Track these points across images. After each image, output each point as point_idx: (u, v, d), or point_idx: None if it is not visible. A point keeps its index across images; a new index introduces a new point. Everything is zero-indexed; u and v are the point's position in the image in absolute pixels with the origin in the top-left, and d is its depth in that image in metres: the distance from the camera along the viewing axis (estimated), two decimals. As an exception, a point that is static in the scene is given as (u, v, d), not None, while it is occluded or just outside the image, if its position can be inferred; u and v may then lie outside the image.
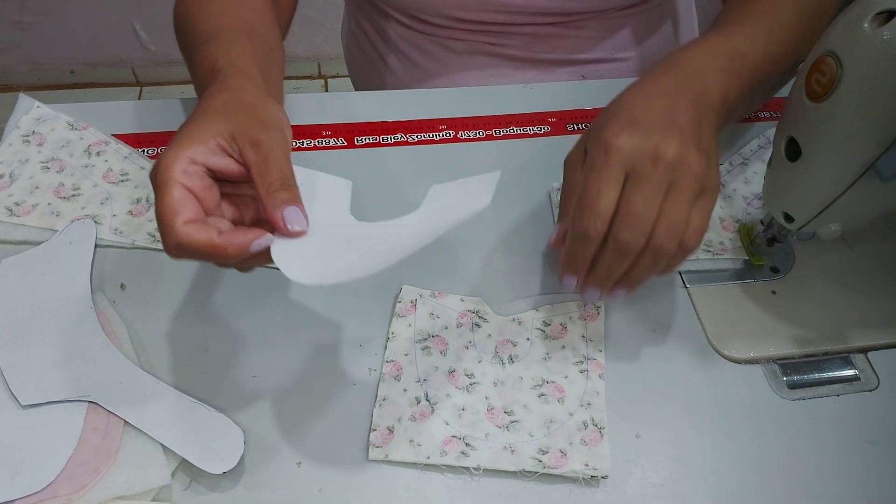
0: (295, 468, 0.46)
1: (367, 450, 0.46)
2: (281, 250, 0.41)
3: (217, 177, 0.42)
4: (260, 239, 0.40)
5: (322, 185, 0.47)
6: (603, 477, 0.45)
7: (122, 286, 0.54)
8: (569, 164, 0.48)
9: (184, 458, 0.44)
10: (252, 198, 0.44)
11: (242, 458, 0.44)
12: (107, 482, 0.43)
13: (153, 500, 0.43)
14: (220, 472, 0.43)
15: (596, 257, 0.45)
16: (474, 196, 0.43)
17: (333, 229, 0.44)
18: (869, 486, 0.46)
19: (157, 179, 0.40)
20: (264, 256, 0.41)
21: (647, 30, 0.79)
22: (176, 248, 0.39)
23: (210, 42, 0.51)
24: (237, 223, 0.44)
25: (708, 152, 0.44)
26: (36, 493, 0.42)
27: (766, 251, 0.57)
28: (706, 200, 0.44)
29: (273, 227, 0.41)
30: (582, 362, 0.51)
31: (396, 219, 0.45)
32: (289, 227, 0.41)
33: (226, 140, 0.41)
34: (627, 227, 0.42)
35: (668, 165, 0.42)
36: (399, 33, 0.77)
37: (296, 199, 0.42)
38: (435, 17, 0.73)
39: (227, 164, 0.42)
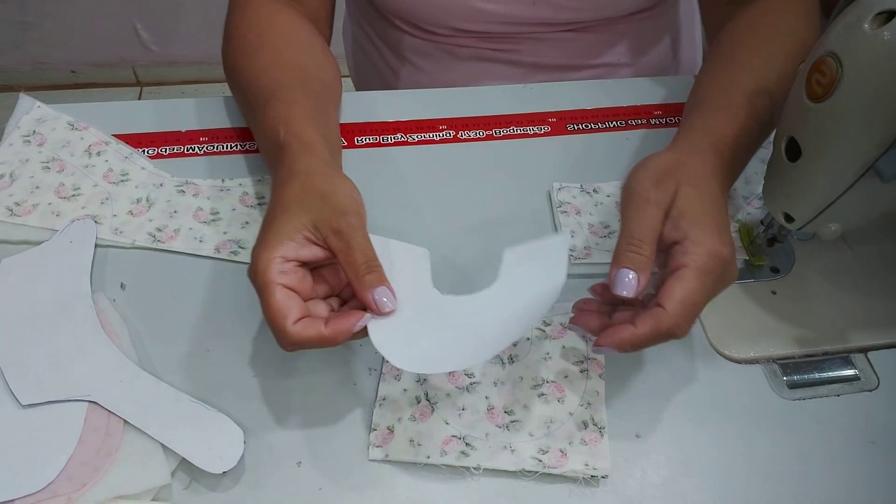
0: (295, 468, 0.46)
1: (368, 449, 0.46)
2: (377, 330, 0.44)
3: (306, 265, 0.45)
4: (360, 320, 0.43)
5: (399, 255, 0.48)
6: (603, 477, 0.45)
7: (123, 286, 0.54)
8: (653, 201, 0.44)
9: (184, 458, 0.44)
10: (338, 267, 0.47)
11: (242, 457, 0.44)
12: (107, 481, 0.43)
13: (153, 499, 0.43)
14: (220, 472, 0.43)
15: (640, 334, 0.43)
16: (549, 267, 0.44)
17: (421, 305, 0.46)
18: (869, 486, 0.46)
19: (258, 283, 0.43)
20: (364, 331, 0.44)
21: (655, 34, 0.79)
22: (290, 346, 0.43)
23: (268, 104, 0.53)
24: (330, 295, 0.47)
25: None
26: (36, 492, 0.42)
27: (766, 251, 0.57)
28: None
29: (366, 307, 0.44)
30: (582, 362, 0.51)
31: (479, 293, 0.47)
32: (381, 308, 0.44)
33: (310, 231, 0.44)
34: (688, 323, 0.43)
35: (728, 283, 0.45)
36: (403, 41, 0.77)
37: (382, 280, 0.44)
38: (438, 27, 0.73)
39: (314, 253, 0.45)
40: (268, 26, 0.60)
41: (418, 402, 0.48)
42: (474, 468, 0.46)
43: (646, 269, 0.43)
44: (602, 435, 0.47)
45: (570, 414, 0.48)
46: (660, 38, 0.80)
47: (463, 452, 0.46)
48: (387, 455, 0.46)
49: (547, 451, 0.46)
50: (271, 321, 0.42)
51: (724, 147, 0.49)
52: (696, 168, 0.46)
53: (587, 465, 0.46)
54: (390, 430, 0.47)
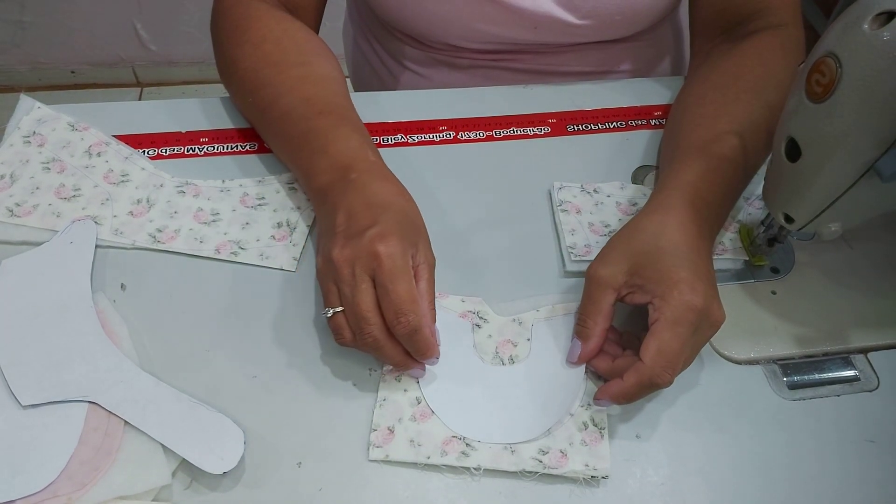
0: (295, 468, 0.46)
1: (368, 450, 0.46)
2: (432, 391, 0.49)
3: None
4: (418, 370, 0.49)
5: (442, 316, 0.52)
6: (603, 477, 0.45)
7: (123, 286, 0.54)
8: (602, 283, 0.48)
9: (184, 458, 0.44)
10: None
11: (242, 458, 0.44)
12: (107, 482, 0.43)
13: (153, 499, 0.43)
14: (221, 472, 0.43)
15: (631, 384, 0.45)
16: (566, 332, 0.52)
17: (468, 372, 0.50)
18: (869, 486, 0.46)
19: (400, 265, 0.45)
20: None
21: (657, 45, 0.79)
22: (409, 330, 0.45)
23: (331, 118, 0.55)
24: None
25: None
26: (37, 492, 0.42)
27: (766, 251, 0.57)
28: None
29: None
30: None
31: (517, 365, 0.51)
32: (437, 341, 0.48)
33: (415, 249, 0.48)
34: (672, 370, 0.45)
35: (715, 327, 0.47)
36: (404, 51, 0.77)
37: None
38: (439, 43, 0.73)
39: None
40: (283, 35, 0.61)
41: (419, 403, 0.48)
42: (474, 468, 0.46)
43: (588, 339, 0.48)
44: (602, 436, 0.47)
45: (571, 415, 0.48)
46: (662, 50, 0.80)
47: (463, 453, 0.46)
48: (387, 455, 0.46)
49: (547, 452, 0.46)
50: (410, 302, 0.44)
51: (697, 200, 0.51)
52: (655, 229, 0.49)
53: (587, 465, 0.46)
54: (391, 430, 0.47)
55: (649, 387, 0.45)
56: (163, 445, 0.44)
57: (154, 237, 0.56)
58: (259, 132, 0.63)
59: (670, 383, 0.45)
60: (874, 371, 0.52)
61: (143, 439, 0.45)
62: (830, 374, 0.52)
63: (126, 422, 0.45)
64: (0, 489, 0.42)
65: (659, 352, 0.44)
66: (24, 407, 0.46)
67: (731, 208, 0.55)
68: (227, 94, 0.67)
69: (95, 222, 0.56)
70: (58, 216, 0.57)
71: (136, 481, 0.43)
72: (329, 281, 0.47)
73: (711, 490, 0.46)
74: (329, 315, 0.47)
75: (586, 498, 0.45)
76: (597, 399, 0.47)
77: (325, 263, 0.47)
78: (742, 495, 0.46)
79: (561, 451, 0.46)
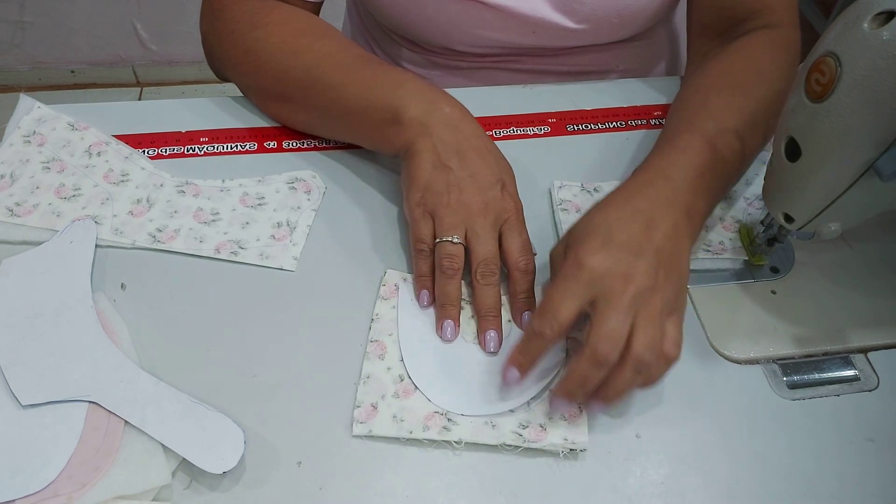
0: (295, 468, 0.46)
1: (351, 426, 0.47)
2: (415, 366, 0.50)
3: None
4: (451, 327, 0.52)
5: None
6: (581, 450, 0.46)
7: (123, 286, 0.54)
8: (554, 258, 0.51)
9: (184, 458, 0.44)
10: None
11: (242, 457, 0.44)
12: (107, 481, 0.43)
13: (153, 499, 0.43)
14: (221, 472, 0.43)
15: (570, 368, 0.45)
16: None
17: (449, 345, 0.52)
18: (868, 486, 0.46)
19: (522, 217, 0.53)
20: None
21: (654, 46, 0.79)
22: (534, 265, 0.53)
23: (387, 64, 0.59)
24: None
25: (680, 274, 0.47)
26: (37, 492, 0.42)
27: (766, 251, 0.57)
28: (676, 318, 0.46)
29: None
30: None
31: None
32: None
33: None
34: (603, 339, 0.43)
35: (638, 290, 0.44)
36: (402, 54, 0.77)
37: None
38: (438, 48, 0.73)
39: None
40: (306, 16, 0.63)
41: (402, 381, 0.49)
42: (455, 442, 0.46)
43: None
44: (581, 410, 0.48)
45: (550, 390, 0.49)
46: (659, 51, 0.80)
47: (445, 427, 0.47)
48: (370, 431, 0.46)
49: (527, 426, 0.47)
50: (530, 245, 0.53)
51: (652, 174, 0.51)
52: (593, 210, 0.50)
53: (566, 439, 0.46)
54: (374, 406, 0.48)
55: (536, 337, 0.45)
56: (163, 445, 0.44)
57: (154, 237, 0.56)
58: (295, 100, 0.62)
59: (553, 332, 0.44)
60: (874, 371, 0.52)
61: (144, 439, 0.45)
62: (830, 374, 0.52)
63: (126, 421, 0.45)
64: (0, 489, 0.42)
65: (542, 302, 0.46)
66: (24, 407, 0.46)
67: (707, 185, 0.52)
68: (227, 95, 0.67)
69: (95, 222, 0.56)
70: (58, 216, 0.57)
71: (136, 481, 0.43)
72: (455, 216, 0.51)
73: (711, 489, 0.46)
74: (455, 241, 0.51)
75: (587, 497, 0.45)
76: (507, 377, 0.47)
77: (453, 201, 0.51)
78: (742, 495, 0.46)
79: (540, 426, 0.47)
